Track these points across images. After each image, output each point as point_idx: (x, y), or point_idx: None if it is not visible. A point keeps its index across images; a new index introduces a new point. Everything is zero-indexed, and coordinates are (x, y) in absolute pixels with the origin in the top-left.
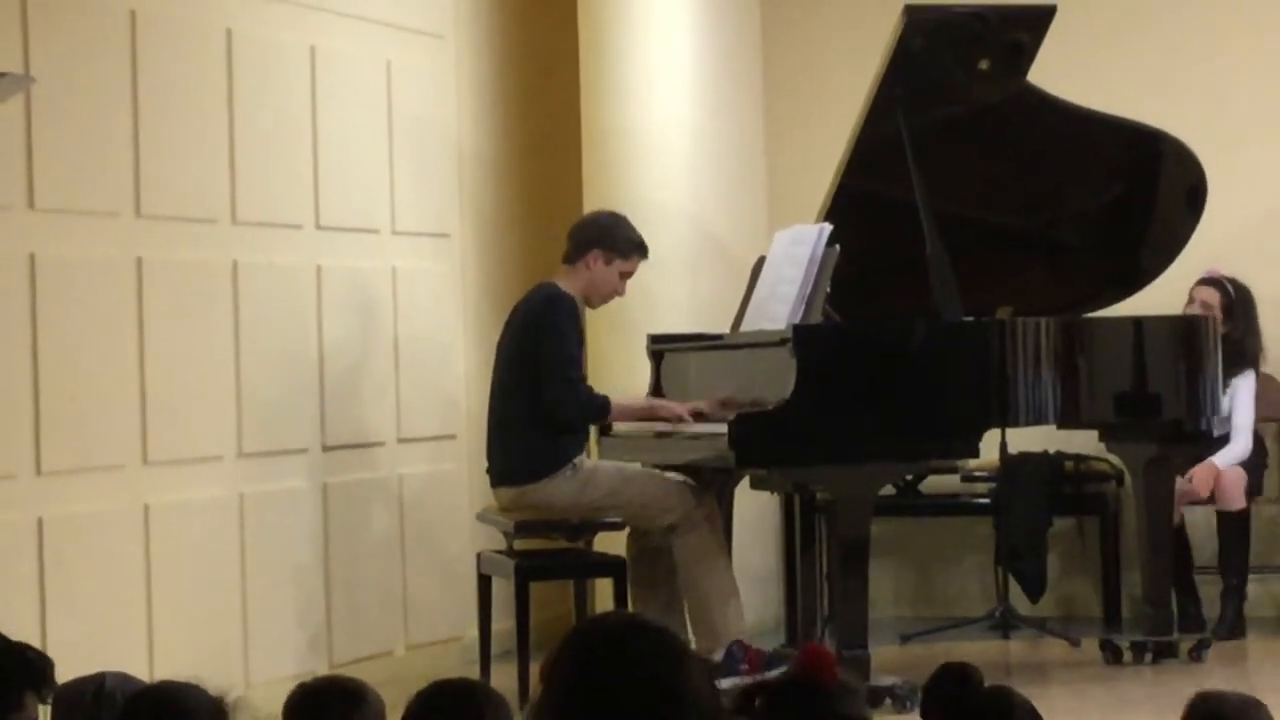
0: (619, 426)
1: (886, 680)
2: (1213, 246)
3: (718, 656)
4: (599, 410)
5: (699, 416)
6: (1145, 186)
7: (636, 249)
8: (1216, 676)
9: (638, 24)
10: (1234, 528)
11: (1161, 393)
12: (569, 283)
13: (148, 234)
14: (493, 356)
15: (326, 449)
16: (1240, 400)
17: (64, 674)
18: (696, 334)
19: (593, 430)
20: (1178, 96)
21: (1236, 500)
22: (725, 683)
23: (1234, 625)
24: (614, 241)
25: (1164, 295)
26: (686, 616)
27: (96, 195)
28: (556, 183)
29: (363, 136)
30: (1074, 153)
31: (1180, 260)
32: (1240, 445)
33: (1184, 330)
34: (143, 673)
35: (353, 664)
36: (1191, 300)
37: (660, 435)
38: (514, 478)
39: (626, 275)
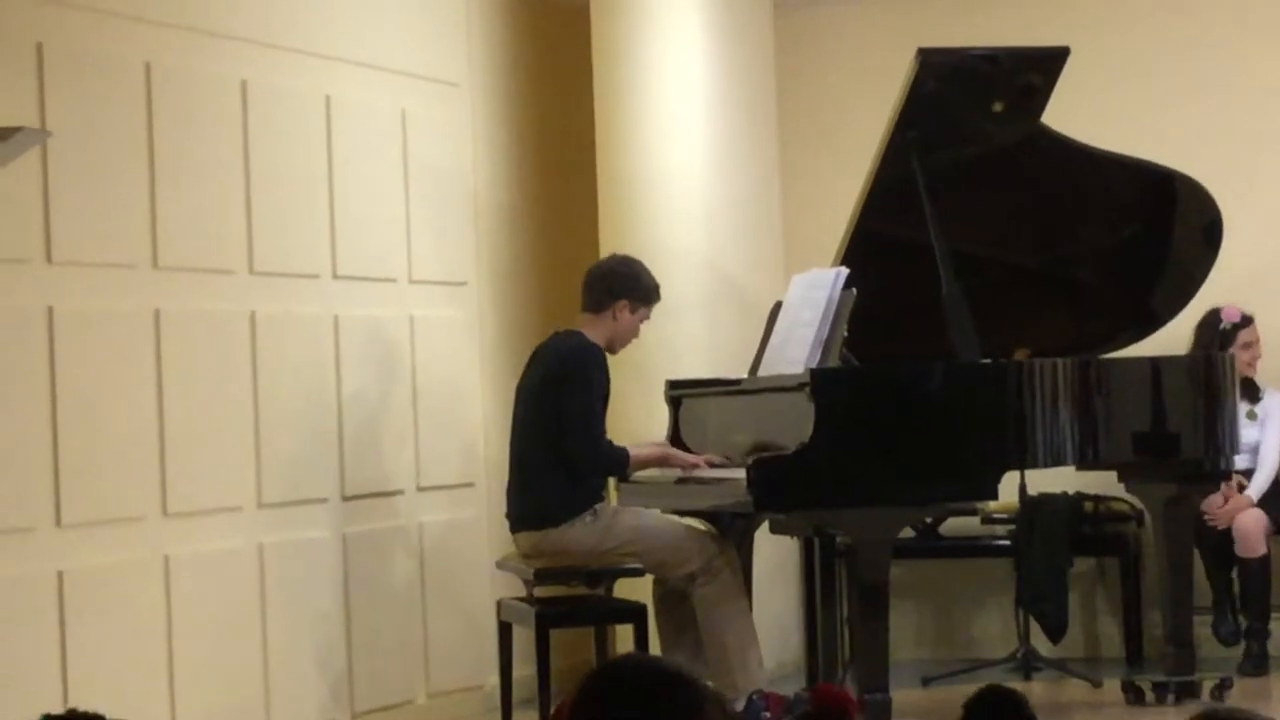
0: (638, 473)
1: None
2: (1230, 284)
3: (738, 706)
4: (618, 464)
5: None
6: (1161, 226)
7: (655, 294)
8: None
9: (652, 70)
10: (1256, 573)
11: (1180, 432)
12: (594, 331)
13: (165, 285)
14: (511, 403)
15: (346, 498)
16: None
17: None
18: (714, 379)
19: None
20: (1192, 136)
21: (1258, 547)
22: None
23: (1260, 661)
24: (638, 291)
25: (1182, 334)
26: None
27: (114, 248)
28: (572, 229)
29: (379, 185)
30: (1089, 193)
31: (1198, 299)
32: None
33: (1201, 369)
34: None
35: (374, 713)
36: (1247, 345)
37: (680, 481)
38: (534, 522)
39: (644, 320)
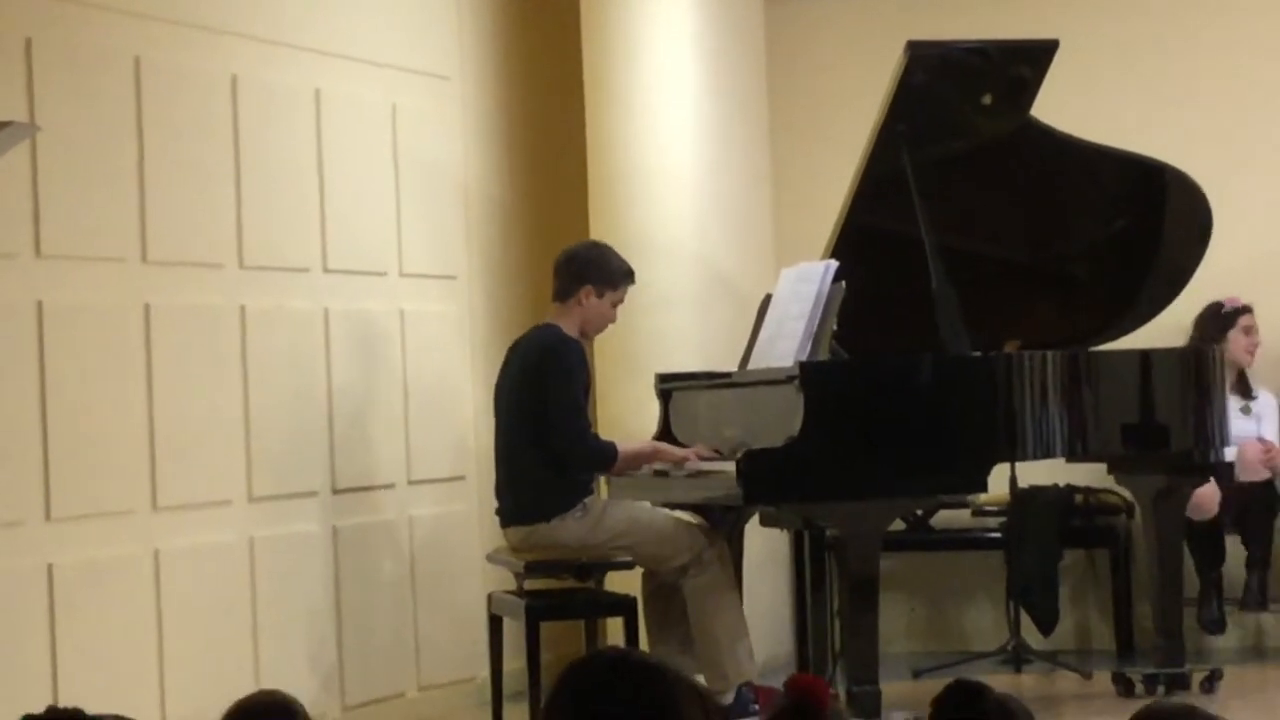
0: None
1: (898, 716)
2: (1224, 278)
3: (728, 699)
4: (607, 458)
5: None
6: (1150, 219)
7: (625, 277)
8: (1229, 708)
9: (643, 64)
10: (1258, 498)
11: (1169, 424)
12: (565, 321)
13: (155, 279)
14: None
15: (336, 492)
16: None
17: None
18: (705, 372)
19: None
20: (1182, 128)
21: (1259, 471)
22: None
23: (1260, 597)
24: (603, 274)
25: (1171, 326)
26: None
27: (103, 241)
28: (563, 223)
29: (369, 179)
30: (1078, 186)
31: (1189, 291)
32: None
33: (1191, 362)
34: (154, 718)
35: (365, 706)
36: (1247, 330)
37: (660, 474)
38: (523, 518)
39: (618, 303)
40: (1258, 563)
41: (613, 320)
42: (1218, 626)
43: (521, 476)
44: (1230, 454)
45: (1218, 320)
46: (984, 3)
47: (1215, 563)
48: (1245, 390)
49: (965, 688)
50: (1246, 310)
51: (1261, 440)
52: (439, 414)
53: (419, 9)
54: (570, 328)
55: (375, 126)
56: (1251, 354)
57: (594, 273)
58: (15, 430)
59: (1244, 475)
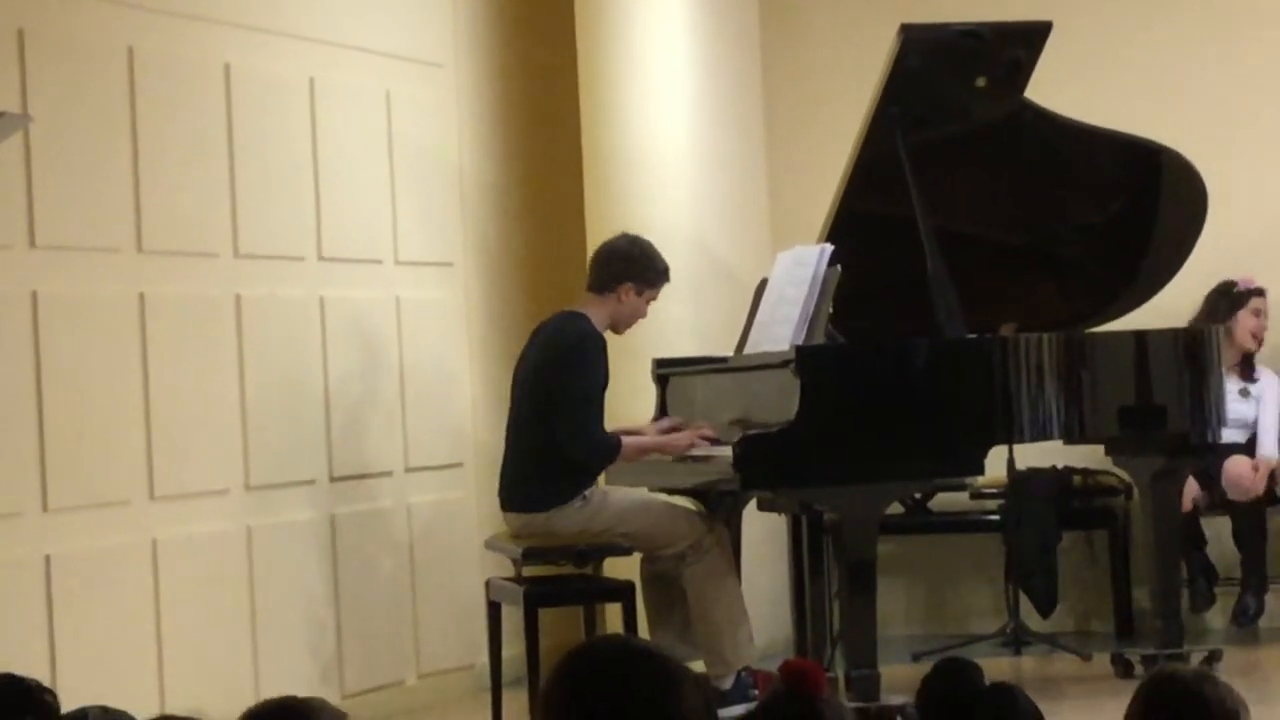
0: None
1: (897, 699)
2: (1221, 255)
3: (728, 684)
4: (609, 453)
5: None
6: (1146, 200)
7: (663, 276)
8: None
9: (636, 48)
10: (1248, 518)
11: (1166, 405)
12: (597, 311)
13: (150, 269)
14: (499, 383)
15: (334, 480)
16: None
17: None
18: (701, 357)
19: None
20: (1178, 108)
21: (1246, 490)
22: (738, 710)
23: (1255, 615)
24: (646, 274)
25: (1169, 307)
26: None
27: (98, 232)
28: (559, 209)
29: (364, 167)
30: (1074, 168)
31: (1185, 271)
32: None
33: (1187, 342)
34: (153, 708)
35: (365, 694)
36: (1257, 312)
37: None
38: (524, 505)
39: (652, 300)
40: (1254, 587)
41: (643, 316)
42: (1207, 603)
43: (526, 463)
44: (1227, 435)
45: (1228, 298)
46: None
47: (1197, 545)
48: (1247, 374)
49: (956, 664)
50: (1259, 293)
51: (1252, 454)
52: (436, 401)
53: None
54: (600, 319)
55: (370, 114)
56: (1258, 338)
57: (637, 271)
58: (11, 421)
59: (1232, 494)
